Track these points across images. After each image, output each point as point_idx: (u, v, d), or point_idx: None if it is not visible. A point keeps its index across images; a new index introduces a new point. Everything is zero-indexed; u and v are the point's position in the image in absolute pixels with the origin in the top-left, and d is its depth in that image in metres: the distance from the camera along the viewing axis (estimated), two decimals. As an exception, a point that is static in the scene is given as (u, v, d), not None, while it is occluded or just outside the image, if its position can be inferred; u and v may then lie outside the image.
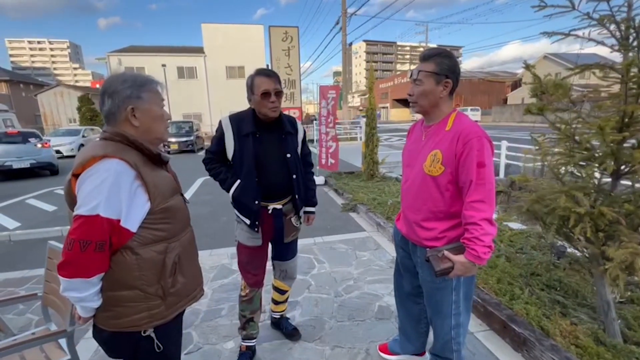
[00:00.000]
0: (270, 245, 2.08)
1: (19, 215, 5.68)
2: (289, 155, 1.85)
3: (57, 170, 10.07)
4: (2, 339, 1.79)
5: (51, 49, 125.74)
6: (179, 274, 1.17)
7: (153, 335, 1.14)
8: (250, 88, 1.77)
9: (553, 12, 1.92)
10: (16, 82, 36.50)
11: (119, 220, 1.02)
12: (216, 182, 1.92)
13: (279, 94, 1.75)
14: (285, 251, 2.09)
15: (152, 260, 1.09)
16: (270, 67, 7.60)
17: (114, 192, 1.00)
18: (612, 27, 1.78)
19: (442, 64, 1.38)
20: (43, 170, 9.89)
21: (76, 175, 1.02)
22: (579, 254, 2.31)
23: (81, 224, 0.97)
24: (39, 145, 9.57)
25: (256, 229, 1.85)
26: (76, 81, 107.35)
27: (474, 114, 27.52)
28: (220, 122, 1.86)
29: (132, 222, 1.05)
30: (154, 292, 1.11)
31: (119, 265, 1.05)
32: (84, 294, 1.02)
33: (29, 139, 9.54)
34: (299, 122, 2.01)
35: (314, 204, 2.11)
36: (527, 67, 2.13)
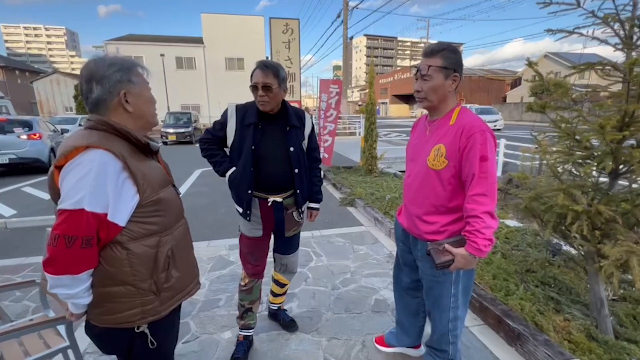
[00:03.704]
0: (272, 238, 2.08)
1: (14, 203, 5.64)
2: (291, 149, 1.83)
3: (49, 166, 8.34)
4: (0, 325, 1.79)
5: (47, 36, 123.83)
6: (173, 268, 1.13)
7: (147, 331, 1.11)
8: (250, 79, 1.78)
9: (558, 9, 1.91)
10: (12, 69, 36.02)
11: (105, 215, 0.97)
12: (214, 174, 1.92)
13: (266, 88, 1.70)
14: (287, 245, 2.09)
15: (143, 255, 1.04)
16: (270, 60, 7.53)
17: (99, 185, 0.94)
18: (616, 25, 1.78)
19: (450, 58, 1.37)
20: (32, 166, 8.11)
21: (59, 167, 0.96)
22: (574, 251, 2.34)
23: (65, 219, 0.92)
24: (24, 137, 7.96)
25: (248, 219, 1.86)
26: (72, 69, 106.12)
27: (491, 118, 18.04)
28: (227, 108, 1.86)
29: (120, 216, 1.00)
30: (147, 287, 1.07)
31: (109, 260, 1.01)
32: (73, 291, 0.98)
33: (14, 129, 8.00)
34: (308, 116, 1.97)
35: (318, 201, 2.09)
36: (530, 64, 2.13)
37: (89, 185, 0.93)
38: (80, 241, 0.92)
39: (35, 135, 8.14)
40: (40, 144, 8.21)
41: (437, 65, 1.38)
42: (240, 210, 1.87)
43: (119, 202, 0.99)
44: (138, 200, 1.03)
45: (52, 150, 8.61)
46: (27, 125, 8.27)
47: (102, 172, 0.95)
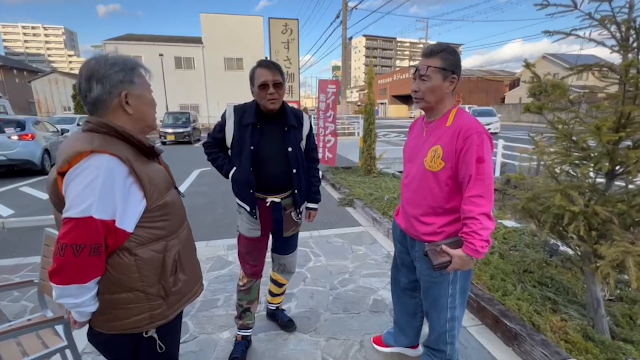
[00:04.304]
0: (271, 238, 2.09)
1: (12, 203, 5.63)
2: (290, 149, 1.83)
3: (41, 168, 7.89)
4: (-2, 325, 1.79)
5: (46, 35, 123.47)
6: (180, 272, 1.12)
7: (155, 335, 1.09)
8: (251, 80, 1.79)
9: (555, 11, 1.92)
10: (10, 68, 35.83)
11: (113, 221, 0.94)
12: (213, 174, 1.93)
13: (277, 85, 1.73)
14: (285, 245, 2.10)
15: (151, 260, 1.02)
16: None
17: (106, 191, 0.91)
18: (613, 28, 1.79)
19: (449, 59, 1.38)
20: (22, 168, 7.75)
21: (62, 174, 0.92)
22: (571, 252, 2.36)
23: (73, 227, 0.88)
24: (15, 138, 7.60)
25: (255, 217, 1.87)
26: (71, 69, 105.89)
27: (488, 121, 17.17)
28: (225, 110, 1.89)
29: (128, 222, 0.97)
30: (156, 292, 1.05)
31: (117, 267, 0.98)
32: (80, 300, 0.95)
33: (5, 129, 7.66)
34: (306, 116, 1.99)
35: (316, 201, 2.10)
36: (527, 65, 2.14)
37: (97, 192, 0.90)
38: (89, 249, 0.90)
39: (27, 135, 7.77)
40: (32, 144, 7.80)
41: (436, 66, 1.38)
42: (248, 209, 1.87)
43: (127, 208, 0.97)
44: (145, 205, 1.01)
45: (47, 151, 8.30)
46: (20, 125, 7.91)
47: (110, 177, 0.92)
